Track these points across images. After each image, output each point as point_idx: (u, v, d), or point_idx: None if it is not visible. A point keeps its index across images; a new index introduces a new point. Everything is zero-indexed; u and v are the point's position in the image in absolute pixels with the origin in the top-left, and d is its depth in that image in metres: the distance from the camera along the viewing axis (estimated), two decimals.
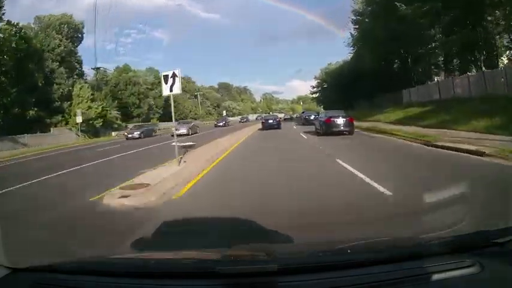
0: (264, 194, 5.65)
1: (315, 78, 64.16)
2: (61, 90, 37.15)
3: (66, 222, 4.92)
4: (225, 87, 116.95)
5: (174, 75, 8.74)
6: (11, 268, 1.60)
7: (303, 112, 48.09)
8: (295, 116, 66.77)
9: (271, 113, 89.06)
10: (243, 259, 1.62)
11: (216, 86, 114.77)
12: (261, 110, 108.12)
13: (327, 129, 16.47)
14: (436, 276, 1.31)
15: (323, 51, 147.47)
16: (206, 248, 2.36)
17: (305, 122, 30.25)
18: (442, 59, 28.66)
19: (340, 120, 16.45)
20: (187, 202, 5.62)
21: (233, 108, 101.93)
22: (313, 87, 63.70)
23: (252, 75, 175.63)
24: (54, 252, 3.35)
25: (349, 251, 1.68)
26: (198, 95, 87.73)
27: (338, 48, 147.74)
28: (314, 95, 66.46)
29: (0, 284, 1.52)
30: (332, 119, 16.61)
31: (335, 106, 30.03)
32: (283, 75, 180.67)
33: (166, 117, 53.70)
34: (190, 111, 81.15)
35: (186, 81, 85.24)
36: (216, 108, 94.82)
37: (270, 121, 26.59)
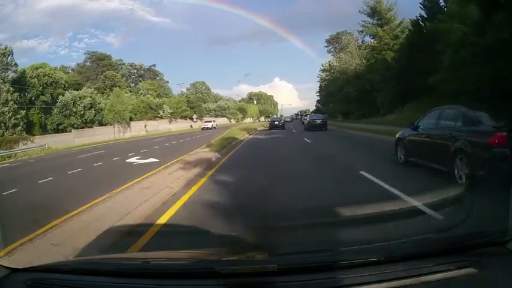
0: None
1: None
2: None
3: None
4: (98, 62, 55.60)
5: None
6: (11, 268, 1.60)
7: (306, 115, 40.02)
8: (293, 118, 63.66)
9: (209, 119, 51.57)
10: (243, 259, 1.63)
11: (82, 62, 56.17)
12: (170, 112, 51.48)
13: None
14: (436, 276, 1.31)
15: (273, 55, 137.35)
16: (206, 248, 2.36)
17: (311, 127, 25.67)
18: None
19: None
20: None
21: (80, 108, 40.33)
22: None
23: (197, 79, 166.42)
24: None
25: (349, 251, 1.68)
26: None
27: (288, 52, 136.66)
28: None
29: (0, 284, 1.52)
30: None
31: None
32: (231, 80, 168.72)
33: None
34: None
35: None
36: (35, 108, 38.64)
37: (276, 122, 32.85)
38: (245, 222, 4.03)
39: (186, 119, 47.58)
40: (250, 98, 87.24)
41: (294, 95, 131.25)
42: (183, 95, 61.61)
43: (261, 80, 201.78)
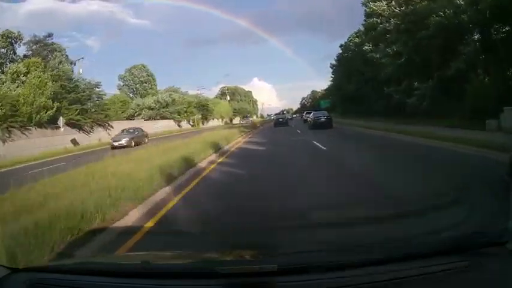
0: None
1: None
2: None
3: None
4: None
5: None
6: (11, 268, 1.60)
7: (309, 112, 36.56)
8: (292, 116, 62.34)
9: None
10: (243, 259, 1.63)
11: None
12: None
13: None
14: (436, 276, 1.31)
15: (252, 55, 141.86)
16: (206, 248, 2.36)
17: (315, 126, 24.40)
18: None
19: None
20: None
21: None
22: None
23: (177, 81, 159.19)
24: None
25: (349, 251, 1.68)
26: None
27: (267, 53, 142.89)
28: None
29: (0, 284, 1.52)
30: None
31: None
32: (210, 80, 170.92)
33: None
34: None
35: None
36: None
37: (280, 120, 35.21)
38: None
39: (57, 128, 23.72)
40: (223, 93, 66.90)
41: (273, 95, 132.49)
42: (43, 76, 25.67)
43: (240, 80, 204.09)
